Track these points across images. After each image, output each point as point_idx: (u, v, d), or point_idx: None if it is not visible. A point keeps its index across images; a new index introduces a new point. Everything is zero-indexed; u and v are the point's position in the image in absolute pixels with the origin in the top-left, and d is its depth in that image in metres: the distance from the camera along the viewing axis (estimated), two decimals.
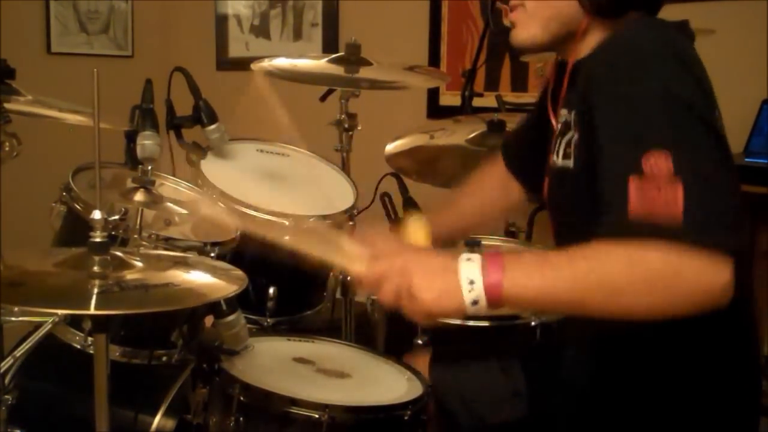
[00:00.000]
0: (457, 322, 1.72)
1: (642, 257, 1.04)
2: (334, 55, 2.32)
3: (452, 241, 2.30)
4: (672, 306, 1.05)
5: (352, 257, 1.22)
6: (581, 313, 1.11)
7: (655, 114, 1.10)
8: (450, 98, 3.31)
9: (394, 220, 2.19)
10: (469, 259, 1.10)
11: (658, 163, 1.04)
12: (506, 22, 1.40)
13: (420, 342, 1.79)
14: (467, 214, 1.73)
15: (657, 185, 1.04)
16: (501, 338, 1.82)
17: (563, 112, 1.33)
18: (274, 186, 2.21)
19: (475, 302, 1.09)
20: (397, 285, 1.12)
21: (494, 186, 1.74)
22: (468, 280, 1.08)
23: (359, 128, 2.34)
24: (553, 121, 1.39)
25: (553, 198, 1.41)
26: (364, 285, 1.19)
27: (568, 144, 1.27)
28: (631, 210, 1.05)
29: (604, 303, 1.07)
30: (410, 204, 2.18)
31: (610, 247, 1.06)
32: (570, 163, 1.26)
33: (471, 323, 1.76)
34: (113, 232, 1.59)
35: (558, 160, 1.31)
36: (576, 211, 1.28)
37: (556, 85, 1.42)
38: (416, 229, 1.56)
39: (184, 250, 1.75)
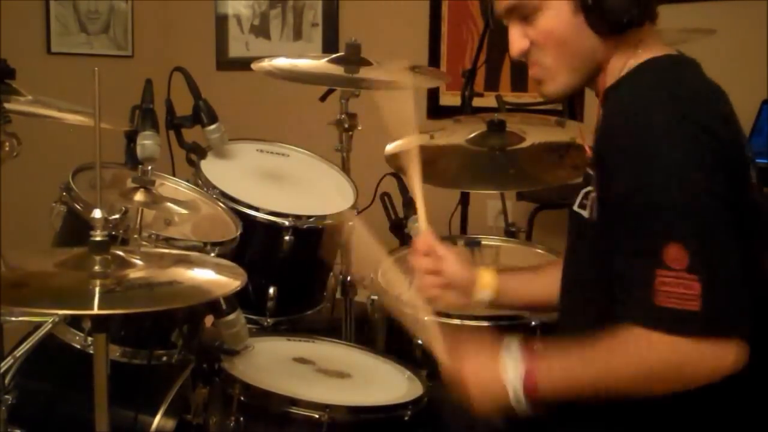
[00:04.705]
0: (457, 322, 1.73)
1: (648, 356, 1.16)
2: (334, 55, 2.32)
3: (452, 240, 2.32)
4: (682, 388, 1.18)
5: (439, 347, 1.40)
6: (601, 396, 1.22)
7: (672, 203, 1.14)
8: (450, 98, 3.31)
9: (395, 219, 2.19)
10: (513, 367, 1.27)
11: (678, 256, 1.13)
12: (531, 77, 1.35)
13: (420, 342, 1.79)
14: (541, 287, 1.57)
15: (677, 278, 1.13)
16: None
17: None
18: (274, 186, 2.21)
19: (518, 402, 1.26)
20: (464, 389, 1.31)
21: None
22: (513, 389, 1.25)
23: (359, 128, 2.34)
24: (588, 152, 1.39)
25: (571, 240, 1.42)
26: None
27: (585, 196, 1.30)
28: (656, 302, 1.14)
29: (616, 391, 1.20)
30: (410, 204, 2.18)
31: (618, 345, 1.18)
32: (585, 213, 1.30)
33: (471, 323, 1.76)
34: (113, 232, 1.59)
35: (575, 206, 1.33)
36: (587, 259, 1.32)
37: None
38: (485, 279, 1.53)
39: (184, 250, 1.75)
